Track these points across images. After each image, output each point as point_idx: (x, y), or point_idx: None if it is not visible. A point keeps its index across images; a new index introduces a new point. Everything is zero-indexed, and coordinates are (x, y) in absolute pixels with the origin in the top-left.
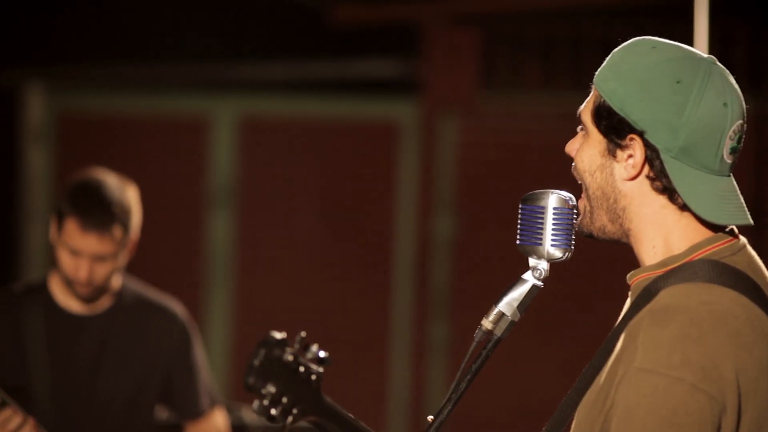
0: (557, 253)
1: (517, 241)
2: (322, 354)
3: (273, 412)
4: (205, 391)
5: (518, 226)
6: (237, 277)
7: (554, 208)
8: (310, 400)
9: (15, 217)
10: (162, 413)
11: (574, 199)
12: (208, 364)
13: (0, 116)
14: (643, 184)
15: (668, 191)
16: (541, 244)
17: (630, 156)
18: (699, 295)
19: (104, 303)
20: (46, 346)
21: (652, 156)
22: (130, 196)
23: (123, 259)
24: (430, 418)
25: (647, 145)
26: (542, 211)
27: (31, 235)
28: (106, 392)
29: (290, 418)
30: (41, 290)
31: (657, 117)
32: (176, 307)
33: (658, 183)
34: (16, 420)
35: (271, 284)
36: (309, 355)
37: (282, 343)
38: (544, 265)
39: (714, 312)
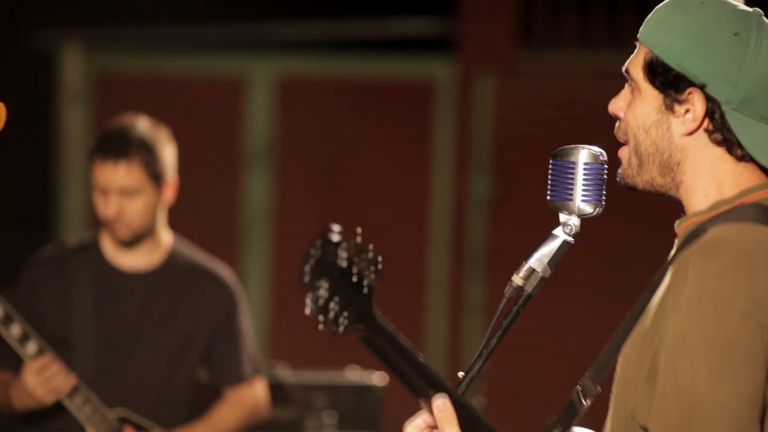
0: (588, 209)
1: (548, 197)
2: (377, 259)
3: (325, 314)
4: (247, 359)
5: (549, 182)
6: (273, 237)
7: (585, 164)
8: (361, 309)
9: (52, 177)
10: (203, 375)
11: (605, 154)
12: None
13: (37, 77)
14: (700, 137)
15: (726, 143)
16: (571, 200)
17: (688, 110)
18: (749, 232)
19: (153, 261)
20: (92, 300)
21: (712, 108)
22: (156, 133)
23: (159, 200)
24: (460, 374)
25: (708, 98)
26: (573, 166)
27: (68, 196)
28: (147, 350)
29: (341, 325)
30: (92, 247)
31: (717, 70)
32: (225, 272)
33: (717, 135)
34: (53, 368)
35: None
36: (364, 258)
37: (337, 245)
38: (574, 221)
39: (764, 248)
